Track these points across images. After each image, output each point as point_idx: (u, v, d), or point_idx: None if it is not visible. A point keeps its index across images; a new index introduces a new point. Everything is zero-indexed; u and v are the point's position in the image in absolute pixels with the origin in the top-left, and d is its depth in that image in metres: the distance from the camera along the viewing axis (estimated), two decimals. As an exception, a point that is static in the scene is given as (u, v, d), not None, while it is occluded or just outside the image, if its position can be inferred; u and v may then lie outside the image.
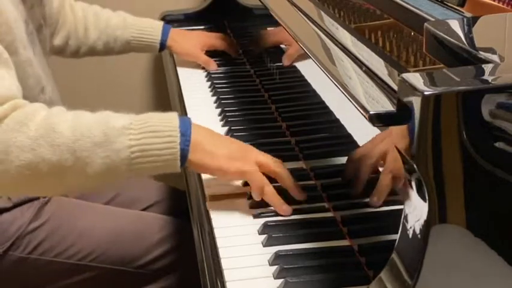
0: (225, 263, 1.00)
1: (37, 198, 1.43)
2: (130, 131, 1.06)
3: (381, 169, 0.97)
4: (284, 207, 1.09)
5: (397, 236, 0.76)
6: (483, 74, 0.74)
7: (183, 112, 1.57)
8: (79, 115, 1.10)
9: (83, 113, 1.11)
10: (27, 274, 1.40)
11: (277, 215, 1.10)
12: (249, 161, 1.10)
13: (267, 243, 1.03)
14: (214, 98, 1.61)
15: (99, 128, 1.06)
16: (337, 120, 1.15)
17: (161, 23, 1.80)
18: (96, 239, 1.42)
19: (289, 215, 1.09)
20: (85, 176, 1.06)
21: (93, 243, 1.41)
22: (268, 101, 1.55)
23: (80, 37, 1.69)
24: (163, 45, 1.77)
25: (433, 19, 0.94)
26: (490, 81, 0.73)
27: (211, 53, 1.81)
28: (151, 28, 1.75)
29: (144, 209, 1.63)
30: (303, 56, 1.30)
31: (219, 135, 1.17)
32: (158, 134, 1.07)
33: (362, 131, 1.05)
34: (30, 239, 1.39)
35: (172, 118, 1.10)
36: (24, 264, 1.39)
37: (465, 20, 0.93)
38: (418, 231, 0.72)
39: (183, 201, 1.51)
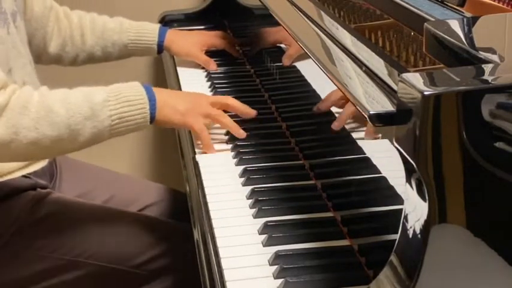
0: (225, 263, 1.00)
1: (34, 189, 1.45)
2: (109, 103, 1.29)
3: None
4: (240, 132, 1.36)
5: (397, 236, 0.76)
6: (483, 74, 0.74)
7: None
8: (67, 94, 1.29)
9: (68, 91, 1.30)
10: (23, 269, 1.41)
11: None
12: (203, 109, 1.36)
13: (267, 243, 1.03)
14: (214, 98, 1.61)
15: (86, 104, 1.27)
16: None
17: (158, 25, 1.80)
18: (92, 236, 1.43)
19: (244, 137, 1.36)
20: (77, 143, 1.28)
21: (89, 240, 1.42)
22: (268, 101, 1.55)
23: (77, 44, 1.70)
24: (161, 47, 1.77)
25: (433, 19, 0.94)
26: (490, 81, 0.73)
27: (211, 53, 1.81)
28: (148, 30, 1.75)
29: (140, 210, 1.63)
30: (303, 56, 1.30)
31: (175, 93, 1.47)
32: (131, 102, 1.30)
33: (362, 131, 1.06)
34: (27, 234, 1.39)
35: (137, 86, 1.34)
36: (20, 259, 1.40)
37: (465, 20, 0.93)
38: (418, 231, 0.72)
39: (180, 202, 1.52)
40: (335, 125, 1.13)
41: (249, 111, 1.41)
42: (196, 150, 1.38)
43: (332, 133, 1.16)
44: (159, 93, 1.34)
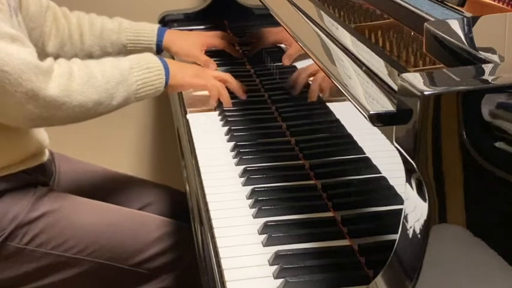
0: (225, 263, 1.00)
1: (34, 186, 1.45)
2: (133, 70, 1.46)
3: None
4: (230, 104, 1.55)
5: (397, 236, 0.76)
6: (483, 74, 0.74)
7: (183, 112, 1.57)
8: (99, 62, 1.46)
9: (97, 61, 1.47)
10: (24, 265, 1.41)
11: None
12: (208, 77, 1.57)
13: (267, 243, 1.03)
14: (214, 98, 1.61)
15: (117, 71, 1.44)
16: (337, 120, 1.15)
17: (157, 25, 1.80)
18: (92, 234, 1.43)
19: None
20: (111, 106, 1.43)
21: (90, 237, 1.42)
22: (268, 101, 1.55)
23: (76, 43, 1.71)
24: (159, 47, 1.77)
25: (433, 19, 0.94)
26: (490, 81, 0.73)
27: (211, 53, 1.81)
28: (147, 30, 1.76)
29: (140, 209, 1.63)
30: (303, 56, 1.30)
31: (182, 63, 1.64)
32: (151, 69, 1.49)
33: (362, 131, 1.06)
34: (27, 230, 1.40)
35: (153, 56, 1.53)
36: (20, 255, 1.40)
37: (465, 20, 0.93)
38: (418, 231, 0.72)
39: (180, 202, 1.52)
40: (310, 98, 1.29)
41: (241, 93, 1.59)
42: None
43: (332, 133, 1.16)
44: (170, 62, 1.54)
